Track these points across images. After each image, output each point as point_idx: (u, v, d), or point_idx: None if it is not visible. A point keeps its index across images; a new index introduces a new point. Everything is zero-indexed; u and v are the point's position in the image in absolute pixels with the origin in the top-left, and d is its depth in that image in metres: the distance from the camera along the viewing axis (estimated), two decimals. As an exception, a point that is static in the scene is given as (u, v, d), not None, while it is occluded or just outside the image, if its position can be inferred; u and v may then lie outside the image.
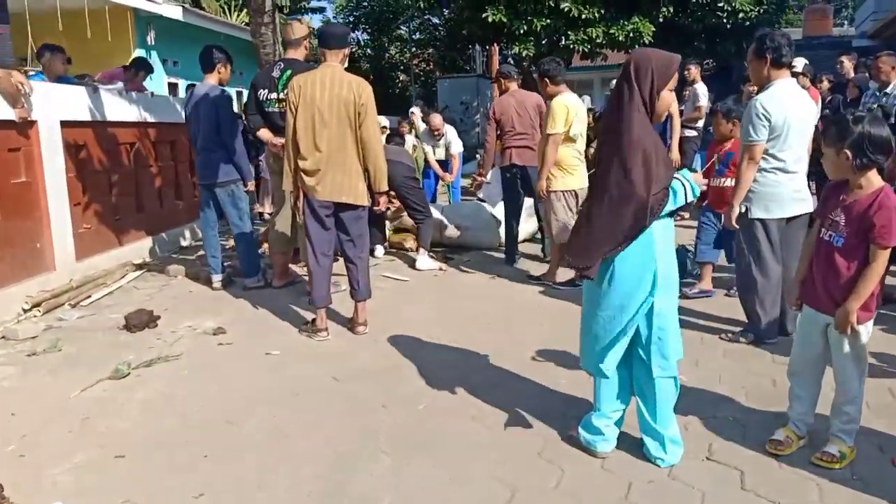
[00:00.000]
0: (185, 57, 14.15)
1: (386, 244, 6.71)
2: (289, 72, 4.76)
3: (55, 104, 5.26)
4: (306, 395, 3.30)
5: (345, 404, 3.19)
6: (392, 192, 5.62)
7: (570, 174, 5.05)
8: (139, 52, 12.73)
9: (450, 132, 8.62)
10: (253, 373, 3.58)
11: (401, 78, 26.03)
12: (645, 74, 2.38)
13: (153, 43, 12.67)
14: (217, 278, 5.32)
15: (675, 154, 7.11)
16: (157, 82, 13.02)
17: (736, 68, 19.53)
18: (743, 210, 3.71)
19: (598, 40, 13.07)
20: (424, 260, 6.00)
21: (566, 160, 5.03)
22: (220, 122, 5.00)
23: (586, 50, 13.50)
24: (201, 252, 6.62)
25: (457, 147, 8.69)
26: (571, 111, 4.95)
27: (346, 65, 4.14)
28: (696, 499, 2.39)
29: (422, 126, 9.28)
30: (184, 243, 7.28)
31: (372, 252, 6.50)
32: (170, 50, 13.15)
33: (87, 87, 5.84)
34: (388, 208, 6.87)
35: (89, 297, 5.10)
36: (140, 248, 6.49)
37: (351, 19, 24.57)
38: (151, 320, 4.40)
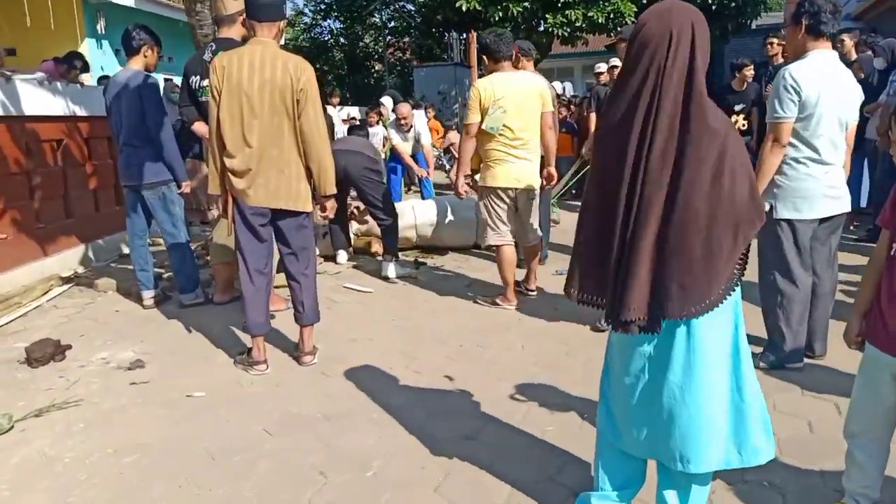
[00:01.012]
0: (179, 52, 13.31)
1: (350, 249, 5.99)
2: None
3: (-49, 95, 4.49)
4: (225, 457, 2.59)
5: (272, 472, 2.49)
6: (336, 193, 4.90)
7: (493, 169, 4.24)
8: (89, 42, 11.90)
9: (419, 121, 7.89)
10: (164, 425, 2.87)
11: (376, 67, 25.18)
12: (702, 38, 1.68)
13: (104, 32, 11.81)
14: (148, 295, 4.59)
15: None
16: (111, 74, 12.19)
17: (718, 53, 19.04)
18: (767, 208, 3.06)
19: (578, 23, 12.42)
20: (392, 267, 5.29)
21: (489, 154, 4.24)
22: (146, 113, 4.26)
23: (566, 34, 12.86)
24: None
25: (427, 138, 7.98)
26: (488, 95, 4.10)
27: (281, 41, 3.43)
28: None
29: (392, 117, 8.57)
30: (126, 250, 6.49)
31: (334, 258, 5.83)
32: (165, 46, 12.25)
33: (-2, 77, 5.06)
34: (353, 212, 6.16)
35: (-3, 320, 4.36)
36: (70, 258, 5.73)
37: (322, 6, 23.67)
38: (58, 352, 3.67)
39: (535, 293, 4.60)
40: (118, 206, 6.38)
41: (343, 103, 14.61)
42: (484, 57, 4.33)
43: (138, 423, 2.89)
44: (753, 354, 3.29)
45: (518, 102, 4.12)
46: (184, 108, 4.38)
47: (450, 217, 6.03)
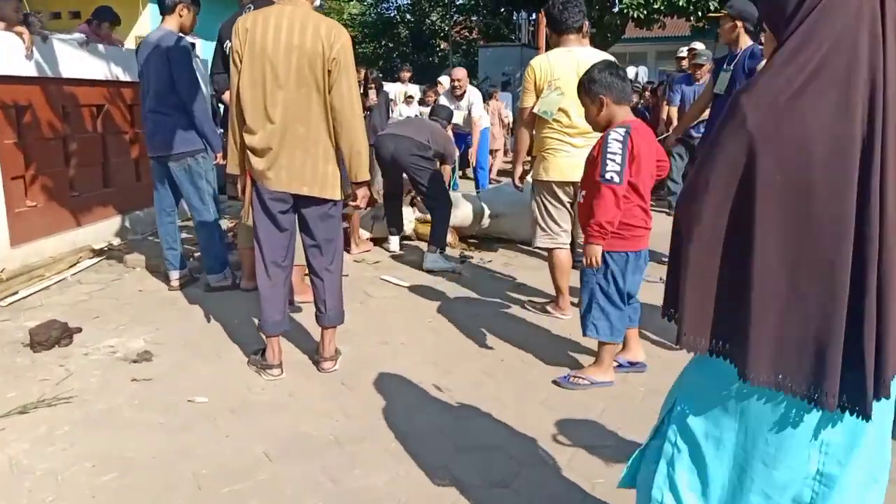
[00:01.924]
0: (204, 15, 13.15)
1: (401, 236, 5.53)
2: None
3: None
4: (214, 486, 2.21)
5: (265, 508, 2.10)
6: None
7: (546, 160, 3.69)
8: (151, 7, 11.79)
9: (473, 93, 7.40)
10: (155, 436, 2.52)
11: (441, 46, 24.67)
12: None
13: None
14: (175, 275, 4.30)
15: None
16: None
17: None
18: None
19: (656, 5, 11.62)
20: (433, 259, 4.88)
21: (543, 142, 3.69)
22: (176, 78, 3.92)
23: (642, 16, 12.09)
24: (186, 234, 5.66)
25: (479, 111, 7.44)
26: (544, 74, 3.57)
27: (316, 2, 3.01)
28: None
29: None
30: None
31: (381, 243, 5.44)
32: None
33: (35, 36, 4.81)
34: (416, 198, 5.74)
35: (16, 293, 4.13)
36: (105, 229, 5.51)
37: (391, -18, 23.28)
38: (64, 336, 3.38)
39: None
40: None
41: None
42: (548, 29, 3.79)
43: (128, 431, 2.55)
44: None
45: (573, 84, 3.55)
46: (217, 76, 4.03)
47: (511, 207, 5.50)
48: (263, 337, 3.11)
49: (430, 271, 4.81)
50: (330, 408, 2.75)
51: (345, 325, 3.41)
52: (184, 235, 4.87)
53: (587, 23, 4.38)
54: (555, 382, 3.00)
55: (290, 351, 3.29)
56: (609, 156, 2.65)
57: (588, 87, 2.82)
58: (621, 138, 2.66)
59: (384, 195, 5.48)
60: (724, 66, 4.55)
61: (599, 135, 3.74)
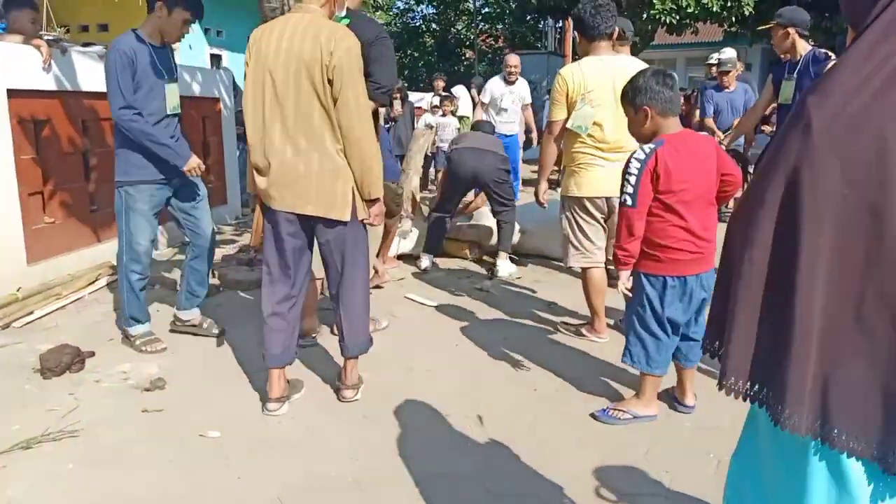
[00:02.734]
0: (230, 25, 13.17)
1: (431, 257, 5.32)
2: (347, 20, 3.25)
3: (-1, 68, 4.16)
4: (223, 536, 2.03)
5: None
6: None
7: (578, 175, 3.46)
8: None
9: (522, 82, 7.52)
10: (161, 477, 2.33)
11: (467, 55, 24.55)
12: None
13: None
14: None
15: None
16: (198, 54, 12.10)
17: (841, 47, 17.30)
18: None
19: (689, 9, 11.34)
20: (505, 264, 5.01)
21: (574, 157, 3.46)
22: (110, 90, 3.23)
23: (674, 21, 11.80)
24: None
25: (528, 97, 7.70)
26: (576, 86, 3.34)
27: (341, 12, 2.82)
28: None
29: (462, 108, 8.19)
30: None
31: (414, 259, 5.24)
32: (211, 17, 12.12)
33: (55, 48, 4.72)
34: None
35: (31, 312, 4.02)
36: (125, 245, 5.39)
37: (416, -8, 23.26)
38: (75, 361, 3.23)
39: None
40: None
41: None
42: (577, 34, 3.57)
43: (136, 470, 2.38)
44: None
45: (614, 96, 3.31)
46: None
47: (540, 223, 5.28)
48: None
49: (500, 276, 4.92)
50: (350, 444, 2.55)
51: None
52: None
53: (629, 30, 4.18)
54: (593, 416, 2.77)
55: (309, 377, 3.11)
56: (626, 177, 2.51)
57: (632, 96, 2.58)
58: (642, 157, 2.48)
59: (435, 209, 5.29)
60: (786, 76, 4.32)
61: (633, 149, 3.54)
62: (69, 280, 4.61)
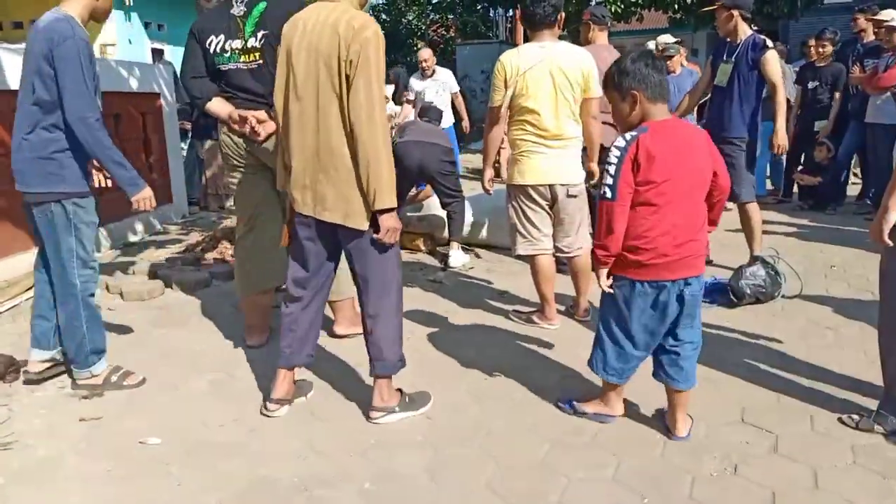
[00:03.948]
0: (172, 19, 12.81)
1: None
2: (262, 4, 3.12)
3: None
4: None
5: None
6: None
7: (521, 163, 3.45)
8: (116, 14, 11.44)
9: (443, 72, 7.47)
10: (99, 489, 2.23)
11: (419, 45, 24.40)
12: None
13: (131, 3, 11.32)
14: (37, 356, 3.04)
15: (784, 138, 4.45)
16: (139, 48, 11.73)
17: (786, 30, 17.72)
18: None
19: (635, -3, 11.45)
20: (458, 254, 5.01)
21: (516, 144, 3.46)
22: (59, 81, 2.66)
23: (619, 9, 11.90)
24: (154, 250, 5.39)
25: (455, 86, 7.67)
26: (513, 70, 3.31)
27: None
28: None
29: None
30: (133, 238, 5.98)
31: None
32: (152, 11, 11.76)
33: (-21, 45, 4.49)
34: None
35: (-38, 323, 3.84)
36: (64, 248, 5.19)
37: (365, -18, 22.96)
38: (9, 370, 3.09)
39: (589, 318, 3.71)
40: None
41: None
42: (520, 21, 3.55)
43: (70, 483, 2.28)
44: (868, 414, 2.54)
45: (552, 83, 3.31)
46: (193, 82, 3.27)
47: (491, 214, 5.28)
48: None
49: (452, 267, 4.92)
50: (297, 446, 2.49)
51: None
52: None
53: (605, 16, 4.24)
54: (558, 406, 2.72)
55: (260, 376, 3.03)
56: (606, 167, 2.26)
57: (618, 79, 2.30)
58: (622, 144, 2.23)
59: None
60: (725, 58, 4.37)
61: (574, 135, 3.54)
62: (4, 286, 4.43)
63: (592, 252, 2.41)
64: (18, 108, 2.82)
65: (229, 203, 7.67)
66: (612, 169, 2.24)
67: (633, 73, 2.27)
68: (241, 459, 2.40)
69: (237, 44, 3.15)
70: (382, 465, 2.35)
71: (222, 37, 3.17)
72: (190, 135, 7.55)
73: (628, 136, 2.26)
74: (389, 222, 2.44)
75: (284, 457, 2.41)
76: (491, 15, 21.21)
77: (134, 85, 6.20)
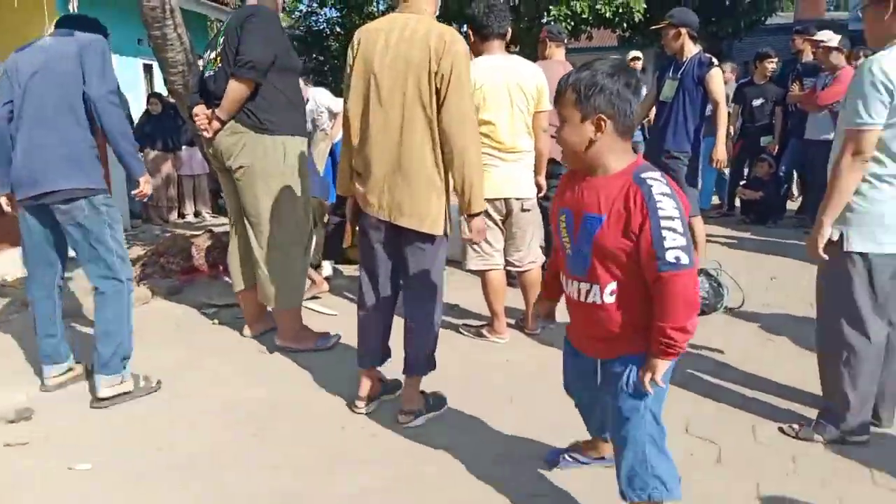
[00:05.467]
0: (117, 28, 12.46)
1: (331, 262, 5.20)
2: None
3: None
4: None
5: None
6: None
7: None
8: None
9: (320, 95, 6.96)
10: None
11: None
12: None
13: (76, 11, 10.99)
14: (51, 371, 3.08)
15: (723, 153, 4.65)
16: (129, 65, 11.38)
17: (730, 51, 18.33)
18: (836, 237, 2.34)
19: (584, 16, 11.68)
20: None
21: None
22: (93, 80, 2.81)
23: (569, 27, 12.12)
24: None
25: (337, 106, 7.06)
26: (477, 83, 3.24)
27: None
28: None
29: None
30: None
31: (318, 266, 5.06)
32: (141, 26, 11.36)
33: None
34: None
35: None
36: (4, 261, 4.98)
37: (319, -5, 22.91)
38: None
39: (539, 331, 3.71)
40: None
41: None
42: (471, 34, 3.55)
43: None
44: (807, 423, 2.59)
45: (502, 95, 3.34)
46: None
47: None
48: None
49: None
50: (238, 469, 2.40)
51: (263, 364, 3.11)
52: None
53: (561, 32, 4.28)
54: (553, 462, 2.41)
55: (202, 395, 2.93)
56: (671, 223, 1.60)
57: (584, 95, 1.67)
58: (670, 192, 1.64)
59: (334, 213, 5.15)
60: (671, 75, 4.48)
61: (527, 148, 3.53)
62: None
63: (668, 339, 1.63)
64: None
65: (173, 216, 7.52)
66: (680, 224, 1.60)
67: (607, 92, 1.66)
68: (177, 485, 2.30)
69: (213, 54, 3.40)
70: (328, 486, 2.28)
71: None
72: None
73: (663, 182, 1.65)
74: (479, 224, 2.66)
75: (224, 481, 2.32)
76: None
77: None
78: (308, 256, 3.61)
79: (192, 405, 2.89)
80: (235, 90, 3.14)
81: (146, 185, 3.08)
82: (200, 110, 3.31)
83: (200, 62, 4.19)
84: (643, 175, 1.64)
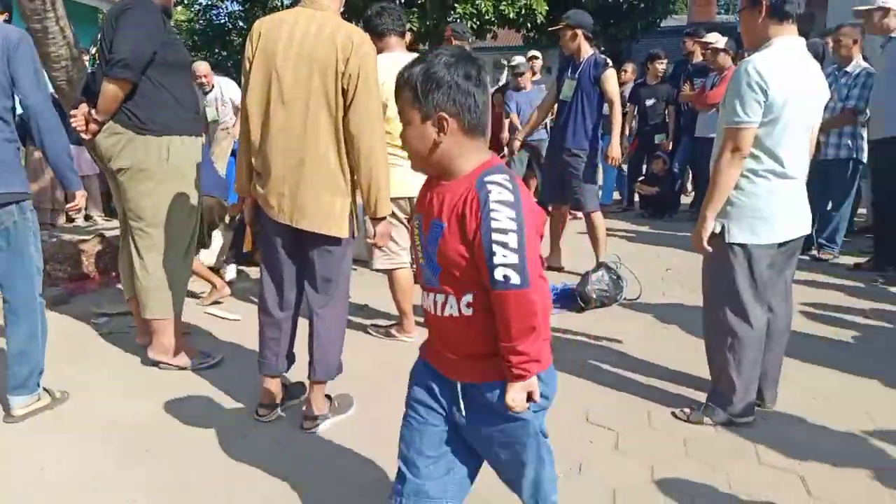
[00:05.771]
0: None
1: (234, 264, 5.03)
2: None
3: None
4: None
5: None
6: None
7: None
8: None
9: (227, 85, 6.79)
10: None
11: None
12: None
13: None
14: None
15: (618, 151, 4.90)
16: None
17: (627, 52, 19.10)
18: (717, 229, 2.48)
19: (487, 16, 11.89)
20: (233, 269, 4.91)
21: None
22: (20, 79, 2.63)
23: (474, 27, 12.31)
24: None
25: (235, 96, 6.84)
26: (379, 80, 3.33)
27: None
28: None
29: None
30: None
31: (219, 270, 4.89)
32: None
33: None
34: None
35: None
36: None
37: (219, -12, 22.17)
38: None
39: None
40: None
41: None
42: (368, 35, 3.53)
43: None
44: (697, 407, 2.73)
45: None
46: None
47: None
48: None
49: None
50: (127, 487, 2.28)
51: (158, 375, 2.98)
52: None
53: (465, 31, 4.28)
54: None
55: (88, 406, 2.77)
56: (501, 235, 1.39)
57: (421, 91, 1.49)
58: (514, 199, 1.42)
59: (237, 217, 4.96)
60: (570, 75, 4.63)
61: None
62: None
63: (506, 360, 1.46)
64: None
65: (61, 220, 7.10)
66: (515, 239, 1.38)
67: (445, 87, 1.47)
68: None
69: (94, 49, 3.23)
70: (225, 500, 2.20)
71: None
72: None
73: (507, 187, 1.42)
74: (384, 228, 2.63)
75: (115, 498, 2.20)
76: (352, 24, 21.18)
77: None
78: (190, 264, 3.40)
79: (80, 421, 2.72)
80: (109, 90, 2.92)
81: (81, 199, 2.89)
82: (78, 110, 3.09)
83: (86, 57, 3.98)
84: (486, 178, 1.43)
